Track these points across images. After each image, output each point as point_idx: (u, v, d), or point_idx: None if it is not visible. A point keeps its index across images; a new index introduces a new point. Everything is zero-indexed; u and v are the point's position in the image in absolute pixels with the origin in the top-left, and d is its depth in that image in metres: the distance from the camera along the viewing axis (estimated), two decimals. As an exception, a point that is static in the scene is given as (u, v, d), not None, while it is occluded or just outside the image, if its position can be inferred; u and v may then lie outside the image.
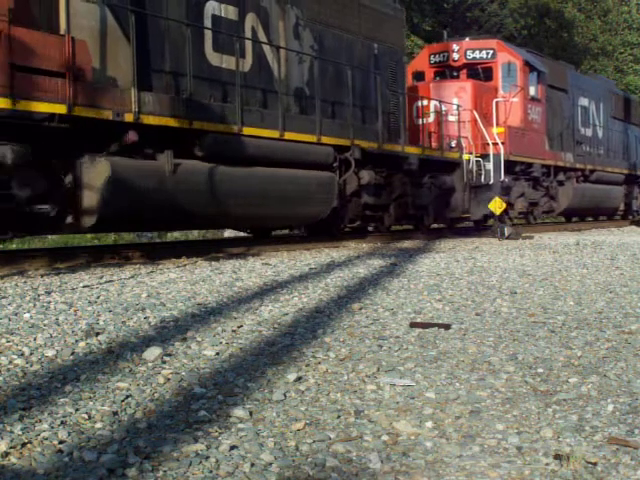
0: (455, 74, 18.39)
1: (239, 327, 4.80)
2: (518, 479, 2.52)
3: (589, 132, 22.49)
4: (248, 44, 10.87)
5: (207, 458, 2.62)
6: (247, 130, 10.46)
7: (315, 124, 11.83)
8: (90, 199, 8.49)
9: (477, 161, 16.36)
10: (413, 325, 5.02)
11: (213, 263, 8.80)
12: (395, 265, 8.79)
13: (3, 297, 5.72)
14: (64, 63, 8.01)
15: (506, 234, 14.75)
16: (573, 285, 7.22)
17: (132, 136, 8.81)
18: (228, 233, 18.20)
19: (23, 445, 2.71)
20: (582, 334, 4.82)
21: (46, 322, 4.74)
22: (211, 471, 2.53)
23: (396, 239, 14.17)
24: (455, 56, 18.26)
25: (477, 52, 18.27)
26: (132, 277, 7.21)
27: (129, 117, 8.74)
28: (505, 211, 17.49)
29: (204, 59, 10.08)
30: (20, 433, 2.82)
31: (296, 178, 11.54)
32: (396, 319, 5.25)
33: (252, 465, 2.58)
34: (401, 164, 14.04)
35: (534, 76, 18.86)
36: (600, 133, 23.25)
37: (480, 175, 16.42)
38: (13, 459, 2.60)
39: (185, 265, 8.58)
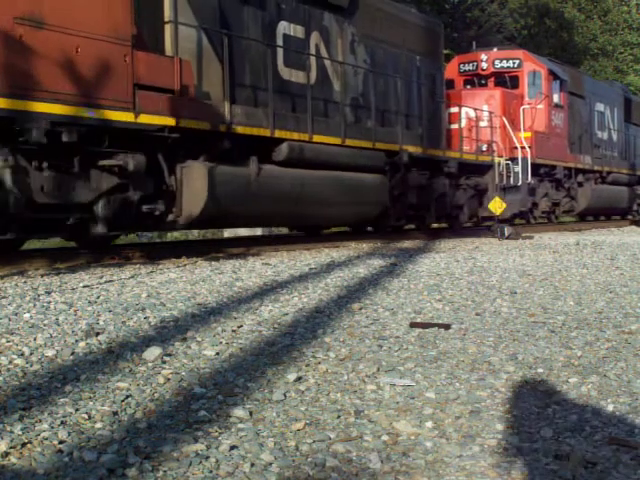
0: (483, 82, 19.76)
1: (239, 327, 4.80)
2: (518, 479, 2.52)
3: (605, 136, 23.99)
4: (313, 59, 12.15)
5: (207, 458, 2.62)
6: (316, 138, 11.74)
7: (370, 131, 13.14)
8: (189, 200, 9.65)
9: (507, 164, 17.61)
10: (413, 325, 5.02)
11: (213, 263, 8.80)
12: (395, 265, 8.79)
13: (3, 297, 5.72)
14: (174, 81, 9.16)
15: (506, 234, 14.76)
16: (573, 285, 7.22)
17: (227, 144, 10.11)
18: (228, 233, 18.20)
19: (23, 445, 2.71)
20: (582, 334, 4.82)
21: (46, 322, 4.74)
22: (211, 471, 2.53)
23: (396, 239, 14.18)
24: (484, 65, 19.68)
25: (504, 61, 19.71)
26: (132, 277, 7.21)
27: (223, 127, 9.98)
28: (530, 210, 19.80)
29: (277, 74, 11.31)
30: (20, 433, 2.81)
31: (356, 180, 12.72)
32: (396, 319, 5.25)
33: (252, 465, 2.58)
34: (441, 167, 15.34)
35: (557, 84, 20.31)
36: (614, 136, 24.76)
37: (509, 177, 17.68)
38: (13, 459, 2.60)
39: (185, 265, 8.58)
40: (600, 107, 23.67)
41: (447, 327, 4.95)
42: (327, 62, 12.48)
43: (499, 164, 17.36)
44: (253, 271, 7.90)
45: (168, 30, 9.42)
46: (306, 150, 11.53)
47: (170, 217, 9.71)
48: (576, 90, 21.93)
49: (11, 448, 2.67)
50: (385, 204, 13.65)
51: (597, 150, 23.17)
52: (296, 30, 11.85)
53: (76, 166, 8.29)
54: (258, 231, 18.16)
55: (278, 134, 10.93)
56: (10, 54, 7.49)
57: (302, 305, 5.72)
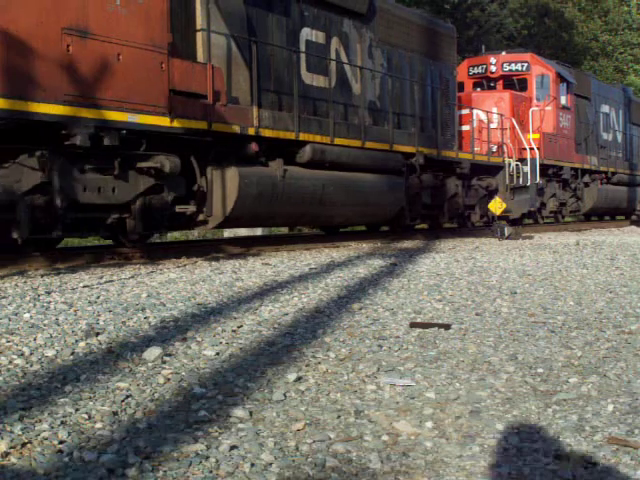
0: (492, 85, 20.28)
1: (239, 327, 4.80)
2: (518, 479, 2.52)
3: (610, 137, 24.56)
4: (333, 64, 12.57)
5: (207, 458, 2.62)
6: (337, 140, 12.21)
7: (388, 134, 13.57)
8: (219, 200, 10.14)
9: (516, 165, 18.08)
10: (413, 325, 5.02)
11: (213, 263, 8.80)
12: (395, 265, 8.79)
13: (3, 297, 5.72)
14: (206, 87, 9.59)
15: (506, 234, 14.76)
16: (573, 285, 7.22)
17: (254, 147, 10.49)
18: (228, 233, 18.18)
19: (23, 445, 2.71)
20: (582, 334, 4.82)
21: (46, 322, 4.74)
22: (211, 471, 2.53)
23: (396, 239, 14.19)
24: (493, 68, 20.15)
25: (513, 65, 20.15)
26: (132, 277, 7.21)
27: (251, 131, 10.41)
28: (538, 210, 20.31)
29: (300, 78, 11.77)
30: (20, 433, 2.81)
31: (375, 182, 13.23)
32: (396, 319, 5.25)
33: (252, 465, 2.58)
34: (454, 168, 15.82)
35: (564, 86, 20.76)
36: (619, 137, 25.30)
37: (519, 177, 18.13)
38: (13, 459, 2.60)
39: (185, 265, 8.58)
40: (605, 108, 24.19)
41: (447, 327, 4.95)
42: (346, 67, 12.94)
43: (509, 165, 17.82)
44: (253, 271, 7.90)
45: (200, 37, 9.86)
46: (328, 152, 11.97)
47: (200, 217, 10.19)
48: (582, 92, 22.37)
49: (11, 448, 2.67)
50: (402, 204, 14.13)
51: (602, 151, 23.68)
52: (318, 36, 12.36)
53: (116, 168, 8.72)
54: (258, 231, 18.16)
55: (302, 137, 11.39)
56: (59, 63, 7.86)
57: (302, 305, 5.72)
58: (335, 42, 12.71)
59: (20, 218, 7.89)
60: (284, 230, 17.00)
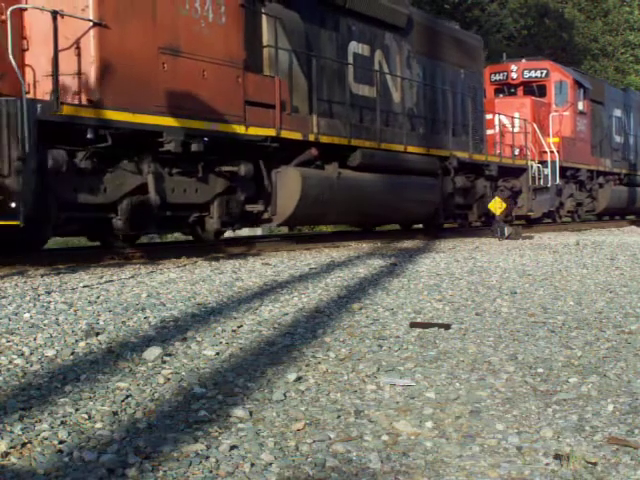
0: (512, 91, 21.62)
1: (239, 327, 4.80)
2: (518, 479, 2.52)
3: (622, 139, 25.94)
4: (377, 75, 13.68)
5: (207, 458, 2.62)
6: (384, 145, 13.30)
7: (425, 139, 14.84)
8: (284, 200, 11.16)
9: (538, 167, 19.25)
10: (413, 325, 5.02)
11: (213, 263, 8.80)
12: (395, 265, 8.79)
13: (3, 297, 5.72)
14: (274, 98, 10.71)
15: (506, 234, 14.76)
16: (573, 285, 7.22)
17: (314, 151, 11.62)
18: (228, 233, 18.18)
19: (23, 445, 2.71)
20: (582, 334, 4.82)
21: (46, 322, 4.74)
22: (211, 471, 2.53)
23: (396, 239, 14.20)
24: (514, 75, 21.54)
25: (533, 72, 21.52)
26: (132, 277, 7.21)
27: (311, 137, 11.57)
28: (557, 209, 21.66)
29: (349, 89, 12.84)
30: (20, 433, 2.81)
31: (416, 183, 14.35)
32: (396, 319, 5.25)
33: (252, 465, 2.58)
34: (483, 170, 16.99)
35: (581, 92, 22.07)
36: (631, 140, 26.75)
37: (540, 179, 19.32)
38: (13, 459, 2.60)
39: (185, 265, 8.58)
40: (617, 112, 25.44)
41: (447, 327, 4.95)
42: (388, 77, 14.11)
43: (532, 167, 18.94)
44: (253, 271, 7.90)
45: (266, 53, 11.02)
46: (376, 156, 13.08)
47: (265, 215, 11.31)
48: (597, 97, 23.57)
49: (11, 448, 2.67)
50: (437, 204, 15.24)
51: (615, 153, 25.00)
52: (363, 49, 13.52)
53: (200, 171, 9.80)
54: (258, 231, 18.16)
55: (354, 142, 12.53)
56: (157, 79, 8.91)
57: (302, 305, 5.72)
58: (378, 54, 13.89)
59: (122, 216, 8.92)
60: (284, 230, 17.03)
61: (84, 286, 6.44)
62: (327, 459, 2.64)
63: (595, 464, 2.61)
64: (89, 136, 8.22)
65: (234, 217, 10.67)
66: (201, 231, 10.59)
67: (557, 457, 2.67)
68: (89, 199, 8.57)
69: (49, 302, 5.50)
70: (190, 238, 16.98)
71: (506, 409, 3.24)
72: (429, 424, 3.03)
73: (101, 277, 7.16)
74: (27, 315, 4.94)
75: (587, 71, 34.86)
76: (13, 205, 7.52)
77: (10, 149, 7.49)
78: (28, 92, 8.14)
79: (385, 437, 2.88)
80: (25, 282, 6.68)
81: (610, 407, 3.25)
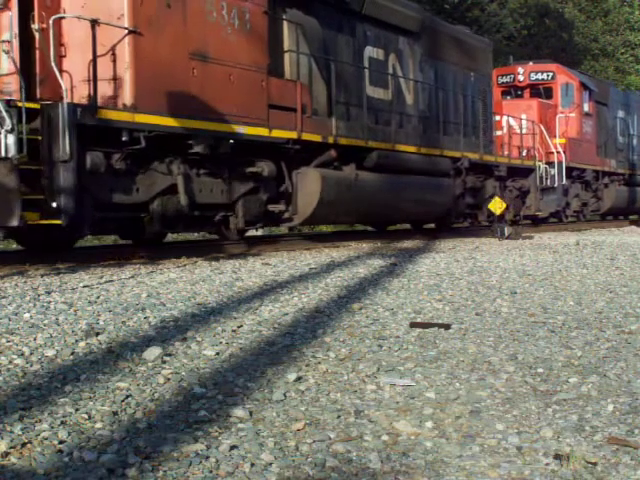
0: (519, 93, 21.96)
1: (239, 327, 4.80)
2: (518, 479, 2.52)
3: (626, 140, 26.48)
4: (391, 78, 14.01)
5: (207, 458, 2.62)
6: (398, 147, 13.65)
7: (438, 140, 15.17)
8: (304, 200, 11.50)
9: (545, 167, 19.73)
10: (413, 325, 5.02)
11: (213, 263, 8.80)
12: (395, 265, 8.79)
13: (3, 297, 5.72)
14: (296, 101, 11.11)
15: (506, 234, 14.76)
16: (573, 285, 7.22)
17: (333, 153, 11.94)
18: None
19: (23, 445, 2.71)
20: (582, 334, 4.82)
21: (46, 322, 4.74)
22: (211, 471, 2.53)
23: (396, 239, 14.20)
24: (520, 77, 21.85)
25: (539, 74, 21.89)
26: (132, 277, 7.21)
27: (331, 139, 11.91)
28: (563, 209, 22.00)
29: (364, 92, 13.09)
30: (20, 433, 2.81)
31: (429, 183, 14.68)
32: (396, 319, 5.25)
33: (252, 465, 2.58)
34: (493, 171, 17.42)
35: (587, 94, 22.49)
36: (634, 141, 27.16)
37: (547, 179, 19.84)
38: (13, 459, 2.60)
39: (185, 265, 8.58)
40: (621, 114, 25.93)
41: (447, 327, 4.95)
42: (401, 80, 14.43)
43: (539, 168, 19.42)
44: (253, 271, 7.90)
45: (287, 57, 11.32)
46: (391, 157, 13.44)
47: (285, 215, 11.62)
48: (602, 99, 24.04)
49: (11, 448, 2.67)
50: (449, 204, 15.67)
51: (620, 154, 25.52)
52: (378, 53, 13.86)
53: (226, 173, 10.18)
54: (258, 231, 18.14)
55: (370, 144, 12.83)
56: (187, 83, 9.23)
57: (302, 305, 5.72)
58: (392, 58, 14.22)
59: (153, 215, 9.27)
60: (284, 230, 17.03)
61: (84, 286, 6.44)
62: (327, 459, 2.64)
63: (595, 464, 2.61)
64: (124, 138, 8.51)
65: (257, 216, 10.98)
66: (225, 230, 10.91)
67: (557, 457, 2.67)
68: (123, 199, 8.86)
69: (49, 302, 5.50)
70: (190, 238, 16.96)
71: (506, 409, 3.24)
72: (429, 424, 3.03)
73: (101, 277, 7.16)
74: (27, 315, 4.94)
75: (587, 71, 34.83)
76: (54, 205, 7.76)
77: (52, 151, 7.74)
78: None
79: (385, 437, 2.88)
80: (25, 282, 6.68)
81: (610, 407, 3.25)
